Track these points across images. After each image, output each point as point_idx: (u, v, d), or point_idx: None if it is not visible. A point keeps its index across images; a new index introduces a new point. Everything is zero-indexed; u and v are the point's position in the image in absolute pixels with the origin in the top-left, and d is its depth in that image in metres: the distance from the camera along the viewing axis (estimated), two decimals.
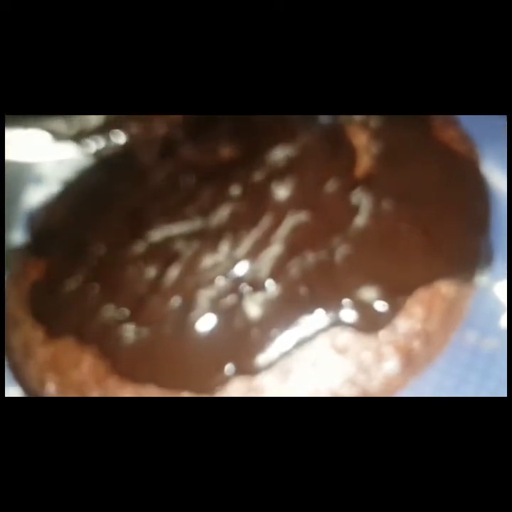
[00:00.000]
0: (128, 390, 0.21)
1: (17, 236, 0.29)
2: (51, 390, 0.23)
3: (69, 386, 0.22)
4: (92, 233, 0.25)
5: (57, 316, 0.23)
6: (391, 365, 0.21)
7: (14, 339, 0.24)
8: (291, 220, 0.22)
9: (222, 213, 0.23)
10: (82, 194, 0.27)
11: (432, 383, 0.23)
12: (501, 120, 0.22)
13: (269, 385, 0.21)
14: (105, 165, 0.28)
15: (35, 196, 0.30)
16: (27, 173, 0.30)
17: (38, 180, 0.30)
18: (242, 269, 0.22)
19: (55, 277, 0.24)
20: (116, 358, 0.21)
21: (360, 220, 0.22)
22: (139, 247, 0.23)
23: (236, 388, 0.21)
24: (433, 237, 0.22)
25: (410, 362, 0.21)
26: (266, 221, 0.23)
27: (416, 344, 0.21)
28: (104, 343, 0.22)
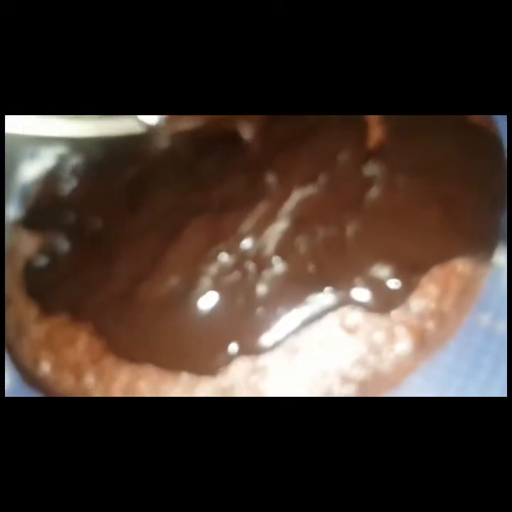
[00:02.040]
0: (125, 370, 0.20)
1: (11, 211, 0.28)
2: (45, 369, 0.22)
3: (64, 365, 0.22)
4: (88, 207, 0.24)
5: (52, 292, 0.22)
6: (403, 346, 0.20)
7: (7, 317, 0.24)
8: (300, 194, 0.21)
9: (225, 186, 0.22)
10: (78, 168, 0.26)
11: (445, 366, 0.22)
12: None
13: (274, 365, 0.20)
14: (103, 138, 0.27)
15: (30, 171, 0.29)
16: (22, 148, 0.29)
17: (33, 154, 0.29)
18: (246, 244, 0.21)
19: (50, 253, 0.23)
20: (112, 337, 0.21)
21: (372, 194, 0.21)
22: (138, 222, 0.22)
23: (239, 368, 0.20)
24: (450, 213, 0.21)
25: (423, 343, 0.20)
26: (272, 194, 0.21)
27: (430, 325, 0.20)
28: (99, 320, 0.21)
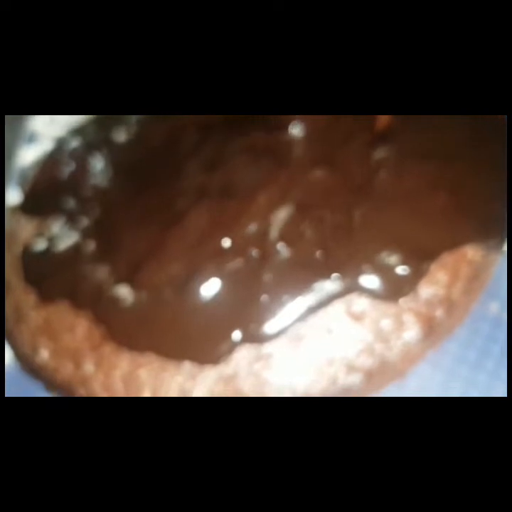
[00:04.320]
0: (125, 358, 0.20)
1: (10, 195, 0.27)
2: (44, 355, 0.22)
3: (62, 352, 0.21)
4: (88, 191, 0.23)
5: (50, 278, 0.22)
6: (411, 334, 0.19)
7: (6, 304, 0.23)
8: (306, 178, 0.21)
9: (228, 169, 0.21)
10: (77, 152, 0.25)
11: (453, 355, 0.22)
12: None
13: (278, 353, 0.19)
14: (103, 120, 0.26)
15: (29, 154, 0.29)
16: (21, 131, 0.29)
17: (31, 137, 0.28)
18: (250, 230, 0.20)
19: (49, 238, 0.23)
20: (111, 324, 0.20)
21: (381, 178, 0.20)
22: (138, 207, 0.22)
23: (242, 356, 0.19)
24: (460, 199, 0.20)
25: (431, 331, 0.20)
26: (277, 178, 0.21)
27: (438, 312, 0.20)
28: (99, 307, 0.21)
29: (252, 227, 0.20)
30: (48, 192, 0.25)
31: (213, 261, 0.20)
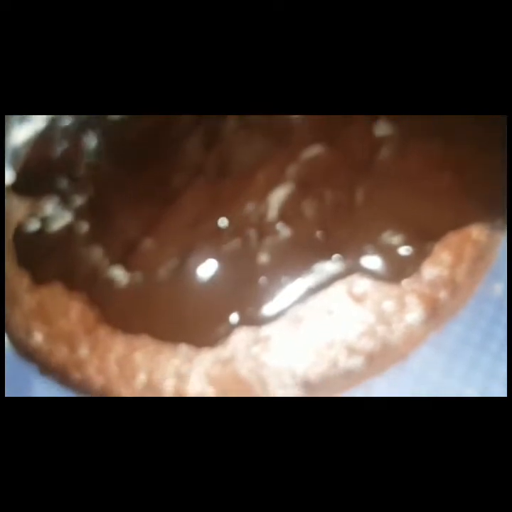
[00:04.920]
0: (120, 341, 0.20)
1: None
2: (38, 339, 0.21)
3: (57, 336, 0.21)
4: (81, 170, 0.23)
5: (43, 260, 0.21)
6: (414, 316, 0.19)
7: None
8: (306, 154, 0.20)
9: (225, 147, 0.21)
10: (70, 130, 0.25)
11: (456, 336, 0.21)
12: None
13: (277, 335, 0.19)
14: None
15: (21, 133, 0.28)
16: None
17: (23, 117, 0.28)
18: (248, 209, 0.19)
19: (41, 219, 0.22)
20: (106, 306, 0.20)
21: (384, 156, 0.20)
22: (132, 187, 0.21)
23: (240, 339, 0.19)
24: (465, 177, 0.20)
25: (435, 313, 0.19)
26: (276, 156, 0.20)
27: (442, 294, 0.19)
28: (93, 289, 0.20)
29: (250, 207, 0.19)
30: (40, 171, 0.24)
31: (210, 241, 0.19)
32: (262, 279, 0.19)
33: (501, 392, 0.20)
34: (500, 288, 0.22)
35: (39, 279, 0.21)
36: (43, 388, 0.22)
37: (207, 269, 0.19)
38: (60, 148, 0.24)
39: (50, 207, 0.22)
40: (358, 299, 0.19)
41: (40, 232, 0.22)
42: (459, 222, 0.19)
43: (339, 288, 0.19)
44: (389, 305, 0.19)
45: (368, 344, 0.19)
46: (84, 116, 0.25)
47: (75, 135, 0.24)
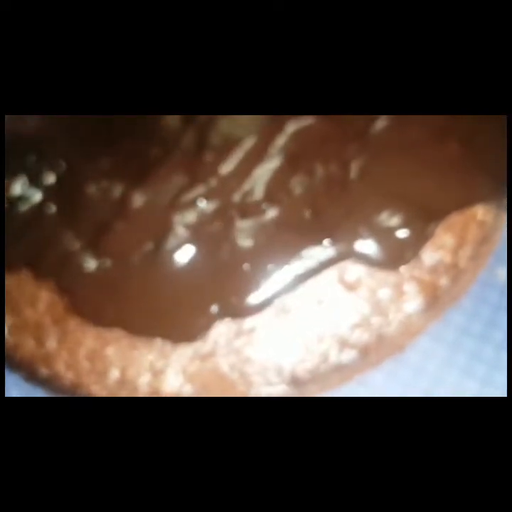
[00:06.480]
0: (90, 334, 0.18)
1: None
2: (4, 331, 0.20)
3: (23, 327, 0.20)
4: (51, 148, 0.21)
5: (9, 245, 0.20)
6: (413, 305, 0.17)
7: None
8: (294, 125, 0.18)
9: (204, 118, 0.19)
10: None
11: (457, 326, 0.21)
12: None
13: (262, 328, 0.18)
14: None
15: None
16: None
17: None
18: (230, 187, 0.18)
19: (8, 200, 0.21)
20: (75, 295, 0.19)
21: (380, 126, 0.18)
22: (104, 164, 0.20)
23: (221, 332, 0.17)
24: (471, 152, 0.18)
25: (435, 301, 0.18)
26: (260, 126, 0.18)
27: (443, 280, 0.18)
28: (62, 276, 0.19)
29: (232, 183, 0.18)
30: (9, 148, 0.22)
31: (188, 224, 0.18)
32: (246, 266, 0.17)
33: (503, 382, 0.19)
34: (504, 273, 0.21)
35: (6, 264, 0.20)
36: (12, 384, 0.21)
37: (184, 254, 0.18)
38: (30, 123, 0.23)
39: (18, 186, 0.21)
40: (351, 286, 0.17)
41: (8, 214, 0.21)
42: (465, 200, 0.18)
43: (330, 275, 0.17)
44: (385, 293, 0.17)
45: (361, 337, 0.17)
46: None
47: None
